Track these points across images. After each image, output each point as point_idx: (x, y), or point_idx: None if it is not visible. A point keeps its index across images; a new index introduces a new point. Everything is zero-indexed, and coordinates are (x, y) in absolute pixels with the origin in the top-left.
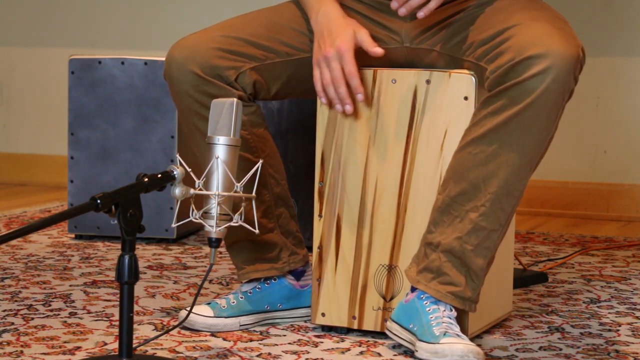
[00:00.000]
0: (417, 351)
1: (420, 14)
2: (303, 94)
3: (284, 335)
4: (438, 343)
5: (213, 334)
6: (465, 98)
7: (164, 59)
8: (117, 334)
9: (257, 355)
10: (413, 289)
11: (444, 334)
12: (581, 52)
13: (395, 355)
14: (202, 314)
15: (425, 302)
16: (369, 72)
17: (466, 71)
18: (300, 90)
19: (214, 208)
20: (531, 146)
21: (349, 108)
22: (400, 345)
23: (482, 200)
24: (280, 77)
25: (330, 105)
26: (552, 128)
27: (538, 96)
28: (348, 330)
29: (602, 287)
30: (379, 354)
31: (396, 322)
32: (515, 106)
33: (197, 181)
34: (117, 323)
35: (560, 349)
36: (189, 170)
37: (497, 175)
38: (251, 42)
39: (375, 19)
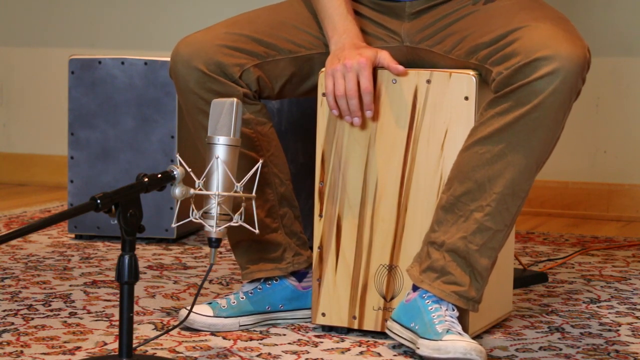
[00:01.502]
0: (418, 348)
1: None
2: (306, 92)
3: (284, 335)
4: (440, 340)
5: (213, 334)
6: (466, 98)
7: (164, 59)
8: (117, 334)
9: (257, 355)
10: (415, 289)
11: (447, 332)
12: (587, 53)
13: (395, 355)
14: (201, 314)
15: (428, 301)
16: None
17: (467, 71)
18: (304, 88)
19: (214, 208)
20: (538, 147)
21: (357, 121)
22: (400, 345)
23: (487, 200)
24: (283, 74)
25: (341, 116)
26: (559, 129)
27: (546, 97)
28: (348, 330)
29: (602, 287)
30: (379, 354)
31: (397, 322)
32: (523, 107)
33: (197, 181)
34: (117, 323)
35: (560, 349)
36: (189, 170)
37: (503, 175)
38: (254, 38)
39: (375, 19)
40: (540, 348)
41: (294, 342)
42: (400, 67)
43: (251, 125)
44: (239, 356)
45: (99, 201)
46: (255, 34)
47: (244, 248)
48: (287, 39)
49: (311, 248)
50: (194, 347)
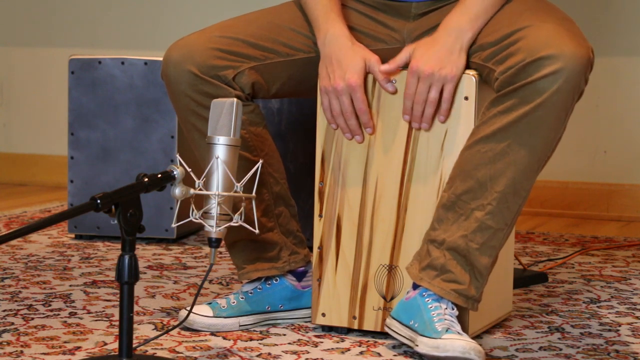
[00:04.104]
0: (417, 346)
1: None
2: (303, 93)
3: (284, 335)
4: (440, 338)
5: (213, 334)
6: (466, 98)
7: None
8: (117, 334)
9: (257, 355)
10: (415, 287)
11: (446, 330)
12: (591, 54)
13: (395, 355)
14: (201, 314)
15: (427, 299)
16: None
17: (467, 71)
18: (300, 90)
19: (214, 208)
20: (540, 146)
21: (359, 138)
22: (400, 345)
23: (488, 199)
24: (280, 77)
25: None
26: (561, 128)
27: (549, 97)
28: (348, 330)
29: (602, 287)
30: (379, 354)
31: (396, 320)
32: (526, 106)
33: (197, 181)
34: (117, 323)
35: (560, 349)
36: (189, 170)
37: (504, 174)
38: (250, 42)
39: (377, 18)
40: (540, 348)
41: (294, 342)
42: (390, 86)
43: (244, 126)
44: (239, 356)
45: (99, 201)
46: (251, 37)
47: (240, 248)
48: (284, 43)
49: (311, 248)
50: (194, 347)
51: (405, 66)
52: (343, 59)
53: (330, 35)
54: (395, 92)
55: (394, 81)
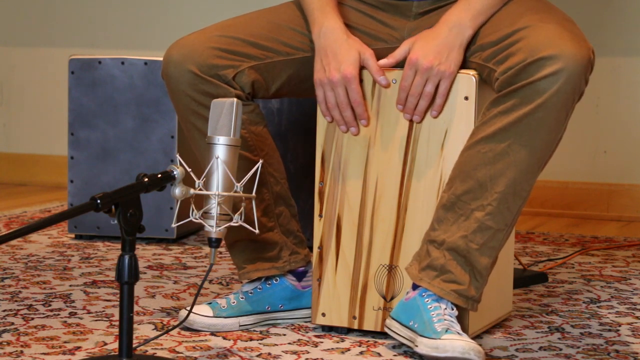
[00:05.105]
0: (417, 346)
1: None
2: (303, 93)
3: (284, 335)
4: (439, 339)
5: (213, 334)
6: (466, 98)
7: None
8: (117, 334)
9: (257, 355)
10: (414, 287)
11: (446, 331)
12: (592, 54)
13: (395, 355)
14: (201, 314)
15: (427, 299)
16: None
17: (467, 71)
18: (300, 89)
19: (214, 208)
20: (540, 146)
21: (354, 130)
22: (400, 345)
23: (488, 200)
24: (280, 76)
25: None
26: (561, 129)
27: (549, 97)
28: (348, 330)
29: (602, 287)
30: (379, 354)
31: (396, 320)
32: (526, 106)
33: (197, 181)
34: (117, 323)
35: (560, 349)
36: (189, 170)
37: (504, 174)
38: (250, 42)
39: (378, 17)
40: (540, 348)
41: (294, 342)
42: (384, 80)
43: (244, 126)
44: (239, 356)
45: (99, 201)
46: (251, 37)
47: (241, 248)
48: (284, 42)
49: (311, 248)
50: (194, 347)
51: (403, 62)
52: (338, 51)
53: (325, 28)
54: (388, 86)
55: (393, 81)
